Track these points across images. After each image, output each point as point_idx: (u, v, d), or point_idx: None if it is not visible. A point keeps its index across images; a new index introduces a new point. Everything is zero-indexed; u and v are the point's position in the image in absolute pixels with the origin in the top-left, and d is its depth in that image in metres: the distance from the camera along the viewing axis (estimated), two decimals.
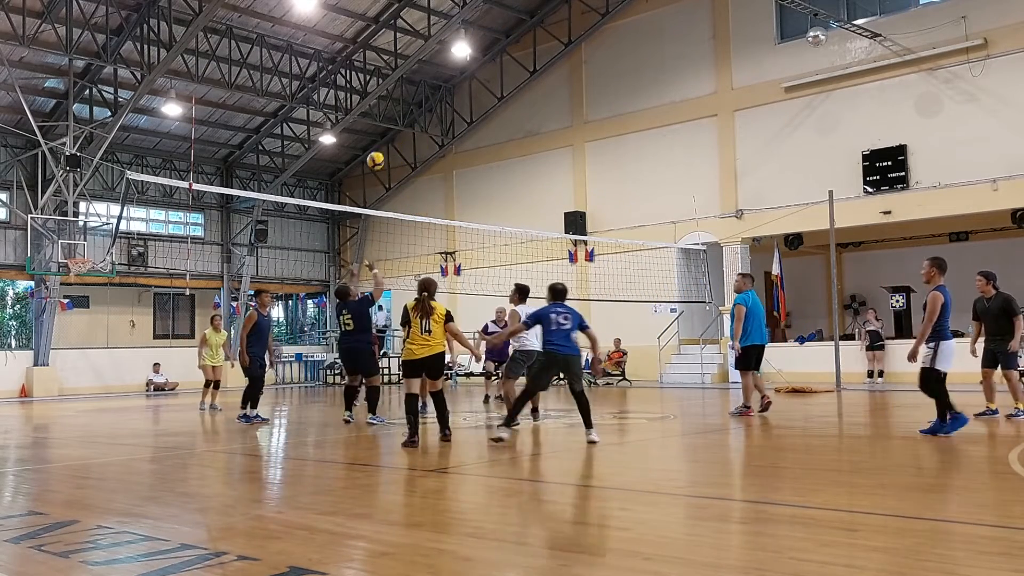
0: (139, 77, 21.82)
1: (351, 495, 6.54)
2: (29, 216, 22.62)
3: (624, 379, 22.35)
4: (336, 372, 27.14)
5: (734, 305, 12.09)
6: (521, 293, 11.61)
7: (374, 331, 16.73)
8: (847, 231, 21.15)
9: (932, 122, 19.56)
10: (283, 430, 12.53)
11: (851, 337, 21.63)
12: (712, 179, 22.77)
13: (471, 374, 24.73)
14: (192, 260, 25.81)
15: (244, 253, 27.91)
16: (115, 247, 24.13)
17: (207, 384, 15.58)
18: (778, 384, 18.46)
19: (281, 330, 34.11)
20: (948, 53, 19.25)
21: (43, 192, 23.25)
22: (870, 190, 20.17)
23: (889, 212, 20.02)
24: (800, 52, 21.15)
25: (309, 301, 33.29)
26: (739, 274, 12.89)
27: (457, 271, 27.50)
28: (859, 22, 20.34)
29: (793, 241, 22.36)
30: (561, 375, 9.58)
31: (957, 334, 14.93)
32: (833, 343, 18.72)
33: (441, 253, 27.74)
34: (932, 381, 8.80)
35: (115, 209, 25.28)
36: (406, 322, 9.32)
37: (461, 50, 24.21)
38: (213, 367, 15.44)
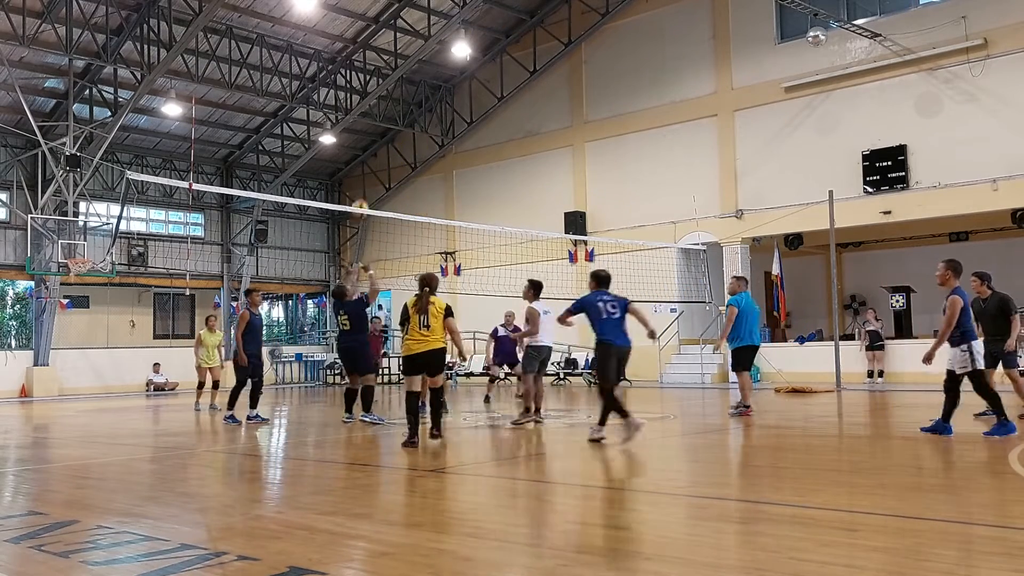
0: (139, 77, 21.82)
1: (351, 495, 6.54)
2: (29, 216, 22.62)
3: (624, 379, 22.32)
4: (336, 372, 27.15)
5: (727, 306, 12.33)
6: (535, 288, 11.64)
7: (379, 331, 16.78)
8: (847, 231, 21.15)
9: (932, 122, 19.56)
10: (283, 430, 12.53)
11: (851, 337, 21.63)
12: (712, 179, 22.77)
13: (471, 374, 24.75)
14: (192, 260, 25.82)
15: (244, 253, 27.91)
16: (115, 247, 24.13)
17: (200, 385, 15.58)
18: (778, 384, 18.49)
19: (281, 330, 34.12)
20: (948, 53, 19.25)
21: (43, 192, 23.25)
22: (870, 190, 20.17)
23: (889, 212, 20.02)
24: (800, 52, 21.15)
25: (309, 301, 33.28)
26: (733, 276, 13.20)
27: (457, 271, 27.50)
28: (859, 22, 20.34)
29: (793, 241, 22.36)
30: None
31: None
32: (833, 343, 18.71)
33: (441, 253, 27.73)
34: (982, 383, 8.80)
35: (115, 209, 25.28)
36: (405, 320, 9.17)
37: (461, 50, 24.21)
38: (209, 368, 15.43)
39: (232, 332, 16.55)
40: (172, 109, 24.18)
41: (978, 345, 8.79)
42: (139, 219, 26.73)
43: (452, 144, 28.34)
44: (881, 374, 19.79)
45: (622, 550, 4.48)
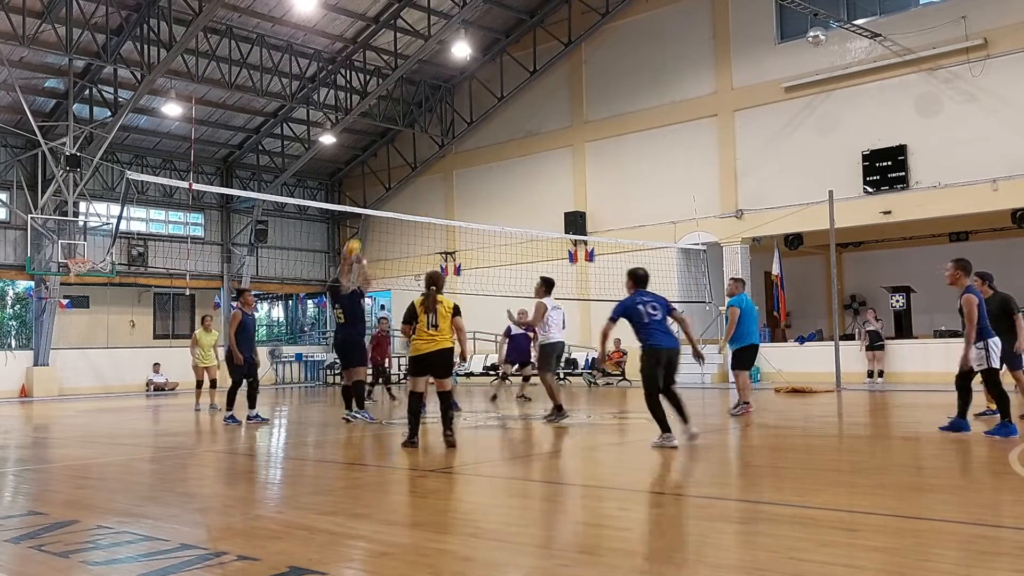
0: (139, 77, 21.82)
1: (351, 495, 6.54)
2: (29, 216, 22.62)
3: (624, 379, 22.35)
4: (336, 372, 27.13)
5: (728, 307, 12.40)
6: (547, 285, 11.66)
7: (386, 331, 16.80)
8: (847, 231, 21.15)
9: (932, 122, 19.56)
10: (283, 430, 12.53)
11: (851, 337, 21.62)
12: (712, 179, 22.77)
13: (471, 374, 24.75)
14: (192, 260, 25.82)
15: (244, 253, 27.91)
16: (115, 247, 24.14)
17: (198, 385, 15.63)
18: (778, 384, 18.48)
19: (281, 330, 34.11)
20: (948, 53, 19.25)
21: (43, 192, 23.25)
22: (870, 190, 20.17)
23: (889, 212, 20.02)
24: (800, 52, 21.15)
25: (309, 301, 33.28)
26: (731, 279, 13.26)
27: (457, 271, 27.50)
28: (859, 22, 20.34)
29: (793, 241, 22.36)
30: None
31: (956, 335, 14.95)
32: (833, 343, 18.71)
33: (441, 253, 27.74)
34: (995, 381, 8.80)
35: (115, 209, 25.28)
36: (410, 319, 8.84)
37: (461, 50, 24.21)
38: (205, 368, 15.48)
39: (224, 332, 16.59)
40: (172, 109, 24.19)
41: (995, 342, 8.80)
42: (139, 219, 26.73)
43: (452, 144, 28.34)
44: (881, 374, 19.79)
45: (622, 550, 4.48)
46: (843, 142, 20.59)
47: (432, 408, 10.43)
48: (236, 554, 4.45)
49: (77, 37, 20.61)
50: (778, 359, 20.33)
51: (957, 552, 4.38)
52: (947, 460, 7.82)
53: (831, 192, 18.73)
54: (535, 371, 13.98)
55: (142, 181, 22.89)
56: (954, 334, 18.57)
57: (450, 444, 8.70)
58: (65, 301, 24.00)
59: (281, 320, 34.57)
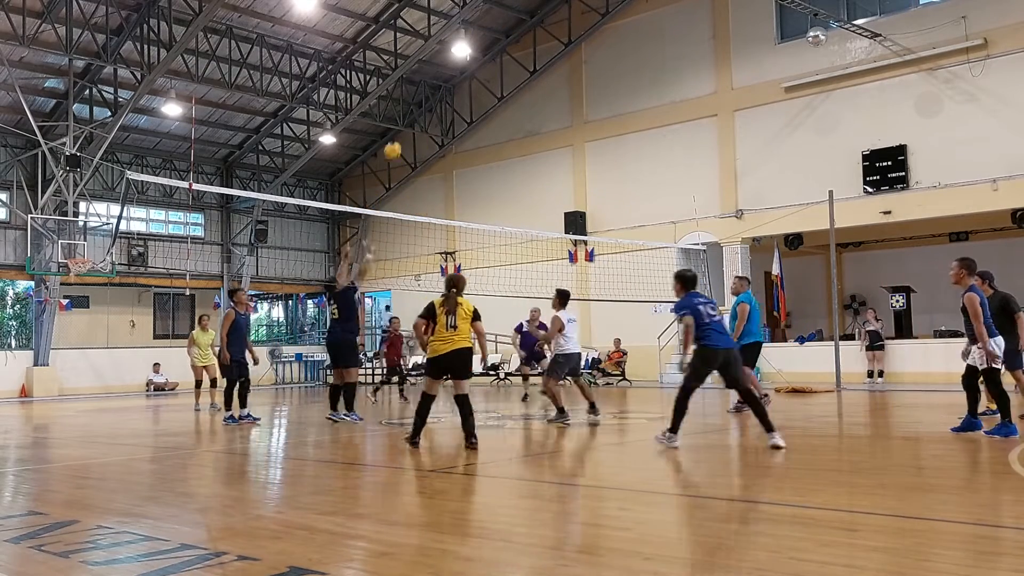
0: (139, 77, 21.82)
1: (351, 495, 6.54)
2: (29, 216, 22.62)
3: (624, 379, 22.35)
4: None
5: (736, 304, 12.35)
6: (562, 298, 11.67)
7: (398, 333, 16.84)
8: (847, 231, 21.14)
9: (932, 122, 19.56)
10: (283, 430, 12.53)
11: (851, 337, 21.62)
12: (712, 179, 22.77)
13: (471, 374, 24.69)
14: (192, 260, 25.82)
15: (244, 253, 27.91)
16: (115, 247, 24.14)
17: (198, 384, 15.65)
18: (778, 384, 18.47)
19: (281, 330, 34.11)
20: (948, 53, 19.25)
21: (43, 192, 23.25)
22: (870, 190, 20.17)
23: (889, 212, 20.02)
24: (800, 52, 21.15)
25: (309, 301, 33.28)
26: (736, 277, 13.31)
27: (457, 271, 27.45)
28: (859, 22, 20.34)
29: (793, 241, 22.35)
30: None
31: (957, 335, 14.94)
32: (833, 343, 18.71)
33: (441, 253, 27.73)
34: (996, 381, 8.80)
35: (115, 209, 25.28)
36: (428, 315, 8.82)
37: (461, 50, 24.21)
38: (204, 367, 15.50)
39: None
40: (172, 109, 24.19)
41: (997, 341, 8.80)
42: (139, 219, 26.73)
43: (452, 144, 28.34)
44: (881, 374, 19.79)
45: (622, 550, 4.48)
46: (843, 142, 20.59)
47: (435, 410, 10.40)
48: (236, 554, 4.45)
49: (77, 37, 20.62)
50: (778, 359, 20.31)
51: (957, 552, 4.38)
52: (947, 460, 7.82)
53: (831, 192, 18.73)
54: (535, 371, 14.01)
55: (142, 181, 22.89)
56: (954, 334, 18.58)
57: (471, 447, 8.57)
58: (65, 301, 24.00)
59: (281, 320, 34.57)
